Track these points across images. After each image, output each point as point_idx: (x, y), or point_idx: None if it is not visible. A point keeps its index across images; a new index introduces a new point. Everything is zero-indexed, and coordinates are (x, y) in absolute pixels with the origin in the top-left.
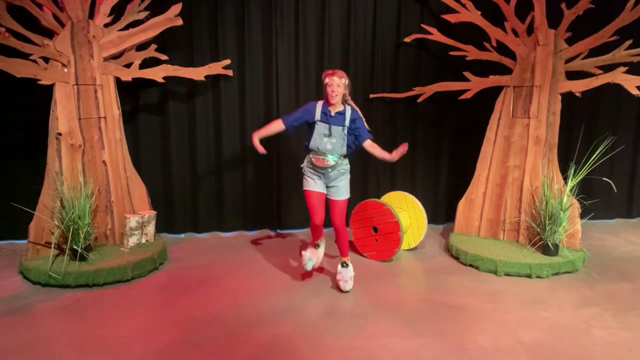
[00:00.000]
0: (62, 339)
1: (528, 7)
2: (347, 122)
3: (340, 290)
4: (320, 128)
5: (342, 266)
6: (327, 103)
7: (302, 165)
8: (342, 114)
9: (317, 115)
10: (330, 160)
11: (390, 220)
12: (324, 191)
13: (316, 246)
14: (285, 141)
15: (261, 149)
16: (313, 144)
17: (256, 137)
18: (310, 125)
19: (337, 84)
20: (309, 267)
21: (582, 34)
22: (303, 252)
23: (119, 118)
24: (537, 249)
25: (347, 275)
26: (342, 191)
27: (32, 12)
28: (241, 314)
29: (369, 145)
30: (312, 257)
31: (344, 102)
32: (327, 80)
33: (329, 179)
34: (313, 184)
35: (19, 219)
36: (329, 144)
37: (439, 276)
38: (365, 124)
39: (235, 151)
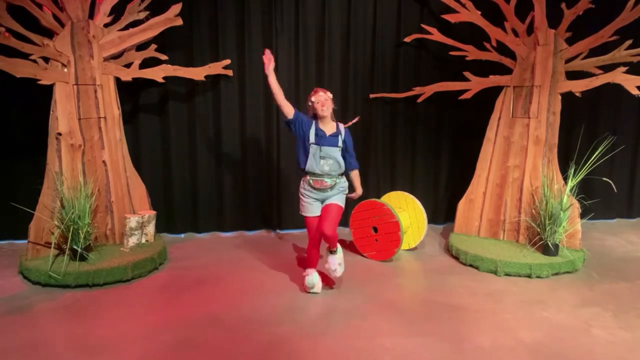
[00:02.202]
0: (62, 339)
1: (528, 7)
2: (341, 144)
3: (331, 283)
4: (316, 151)
5: (331, 253)
6: (317, 121)
7: (300, 188)
8: (336, 135)
9: (312, 138)
10: (329, 181)
11: (390, 220)
12: (320, 213)
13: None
14: (285, 141)
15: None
16: (310, 166)
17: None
18: (304, 144)
19: (325, 98)
20: (314, 280)
21: (582, 34)
22: (306, 271)
23: (119, 118)
24: (537, 249)
25: (334, 262)
26: (337, 199)
27: (32, 12)
28: (241, 314)
29: (355, 174)
30: (315, 272)
31: (333, 119)
32: (313, 98)
33: (326, 197)
34: (310, 210)
35: (19, 219)
36: (326, 165)
37: (439, 276)
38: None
39: (235, 151)
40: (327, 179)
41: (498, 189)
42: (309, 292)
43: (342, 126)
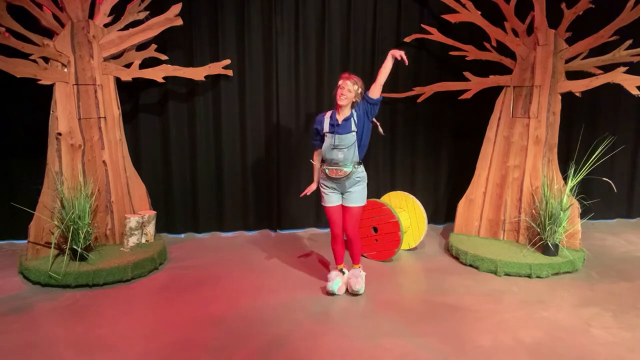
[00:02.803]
0: (62, 338)
1: (528, 7)
2: (354, 127)
3: (353, 291)
4: (329, 139)
5: (353, 268)
6: (336, 107)
7: (320, 179)
8: (348, 119)
9: (325, 127)
10: (344, 169)
11: (390, 220)
12: (341, 202)
13: (342, 272)
14: (285, 142)
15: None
16: (325, 155)
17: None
18: (321, 136)
19: (349, 88)
20: (334, 287)
21: (582, 34)
22: (328, 275)
23: (119, 118)
24: (537, 249)
25: (355, 273)
26: (356, 197)
27: (32, 12)
28: (241, 314)
29: (372, 89)
30: (337, 277)
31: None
32: (340, 82)
33: (344, 187)
34: (329, 200)
35: (19, 219)
36: (340, 153)
37: (439, 276)
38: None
39: (235, 151)
40: (343, 167)
41: (498, 189)
42: (332, 285)
43: (355, 108)
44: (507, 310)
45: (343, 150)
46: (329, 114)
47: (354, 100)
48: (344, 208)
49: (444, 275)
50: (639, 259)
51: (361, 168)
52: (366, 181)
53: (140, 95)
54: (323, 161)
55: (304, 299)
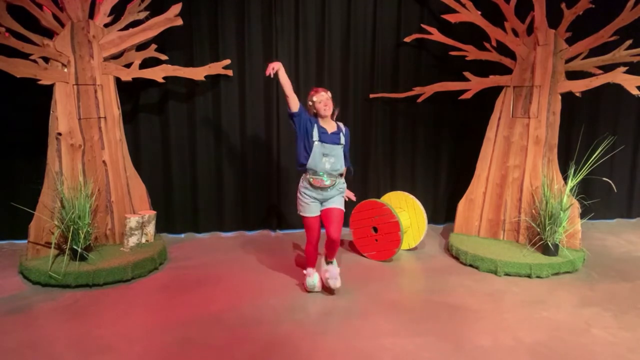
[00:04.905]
0: (62, 338)
1: (528, 7)
2: (343, 141)
3: (331, 290)
4: (319, 148)
5: (327, 264)
6: (318, 120)
7: (299, 187)
8: (337, 133)
9: (315, 136)
10: (328, 180)
11: (390, 220)
12: (319, 213)
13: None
14: (285, 141)
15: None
16: (312, 163)
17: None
18: (306, 141)
19: (327, 97)
20: (315, 282)
21: (582, 34)
22: (307, 272)
23: (119, 118)
24: (537, 249)
25: (335, 272)
26: (340, 201)
27: (32, 12)
28: (241, 314)
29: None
30: (315, 273)
31: (334, 119)
32: (315, 97)
33: (326, 197)
34: (310, 210)
35: (19, 219)
36: (328, 163)
37: (439, 276)
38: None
39: (235, 151)
40: (327, 178)
41: (498, 189)
42: (309, 292)
43: (342, 125)
44: (507, 310)
45: (331, 161)
46: (313, 120)
47: (333, 106)
48: (328, 210)
49: (444, 275)
50: (639, 259)
51: (342, 180)
52: (345, 194)
53: (140, 95)
54: (307, 171)
55: (304, 299)
